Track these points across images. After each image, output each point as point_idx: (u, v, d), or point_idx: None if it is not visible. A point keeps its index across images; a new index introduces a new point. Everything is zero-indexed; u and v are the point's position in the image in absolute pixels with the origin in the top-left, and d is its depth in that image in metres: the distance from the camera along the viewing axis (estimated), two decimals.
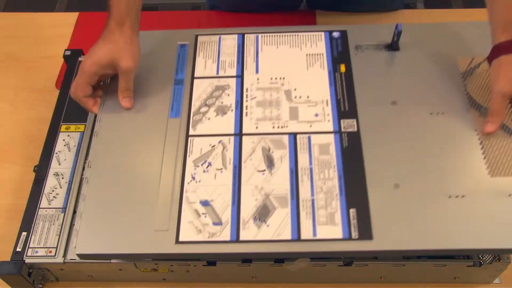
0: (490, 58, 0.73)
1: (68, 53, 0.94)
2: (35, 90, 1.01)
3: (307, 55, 0.83)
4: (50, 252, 0.73)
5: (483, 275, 0.73)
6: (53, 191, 0.79)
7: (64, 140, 0.84)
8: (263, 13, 1.10)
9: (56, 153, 0.82)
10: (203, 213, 0.68)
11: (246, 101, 0.78)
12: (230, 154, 0.73)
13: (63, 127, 0.85)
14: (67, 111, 0.87)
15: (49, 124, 0.86)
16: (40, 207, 0.77)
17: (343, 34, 0.86)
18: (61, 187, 0.79)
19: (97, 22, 1.07)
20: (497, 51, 0.71)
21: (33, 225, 0.75)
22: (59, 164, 0.81)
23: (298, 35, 0.86)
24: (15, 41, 1.09)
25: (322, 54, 0.83)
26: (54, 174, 0.80)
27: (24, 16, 1.14)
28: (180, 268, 0.72)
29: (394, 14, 1.10)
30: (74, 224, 0.74)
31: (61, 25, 1.11)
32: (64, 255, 0.73)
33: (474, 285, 0.76)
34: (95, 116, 0.80)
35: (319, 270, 0.72)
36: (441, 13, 1.12)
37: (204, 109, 0.78)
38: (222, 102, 0.78)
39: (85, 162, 0.80)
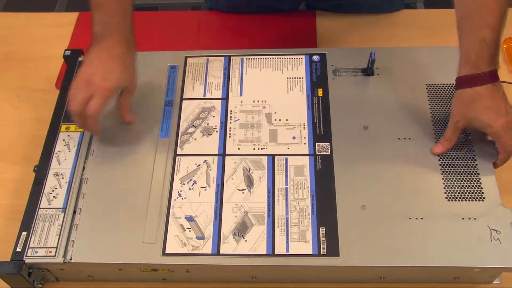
0: (455, 86, 0.79)
1: (68, 53, 0.94)
2: (35, 90, 1.01)
3: (288, 78, 0.90)
4: (50, 252, 0.74)
5: (483, 275, 0.76)
6: (53, 191, 0.79)
7: (64, 140, 0.84)
8: (263, 14, 1.11)
9: (56, 153, 0.82)
10: (187, 228, 0.76)
11: (230, 123, 0.85)
12: (213, 173, 0.80)
13: (63, 127, 0.85)
14: (67, 111, 0.84)
15: (49, 124, 0.86)
16: (40, 207, 0.77)
17: (322, 57, 0.92)
18: (61, 187, 0.79)
19: None
20: (458, 83, 0.78)
21: (33, 225, 0.76)
22: (59, 164, 0.81)
23: (280, 58, 0.92)
24: (15, 41, 1.10)
25: (302, 78, 0.90)
26: (54, 174, 0.80)
27: (24, 16, 1.16)
28: (181, 268, 0.75)
29: (393, 14, 1.12)
30: (74, 225, 0.76)
31: (61, 25, 1.12)
32: (64, 255, 0.73)
33: (474, 285, 0.78)
34: None
35: (319, 271, 0.76)
36: (441, 13, 1.11)
37: (191, 129, 0.84)
38: (208, 124, 0.85)
39: (85, 162, 0.82)
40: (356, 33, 1.09)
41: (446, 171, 0.79)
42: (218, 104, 0.87)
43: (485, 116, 0.76)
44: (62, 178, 0.81)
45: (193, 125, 0.85)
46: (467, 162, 0.80)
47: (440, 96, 0.87)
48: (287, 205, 0.77)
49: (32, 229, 0.76)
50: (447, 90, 0.87)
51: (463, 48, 0.77)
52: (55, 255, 0.74)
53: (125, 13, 0.80)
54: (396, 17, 1.12)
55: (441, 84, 0.88)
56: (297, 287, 0.79)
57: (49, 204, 0.78)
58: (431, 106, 0.86)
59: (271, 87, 0.89)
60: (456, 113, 0.79)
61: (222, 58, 0.93)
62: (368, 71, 0.90)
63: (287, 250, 0.74)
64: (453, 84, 0.86)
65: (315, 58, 0.92)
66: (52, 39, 1.10)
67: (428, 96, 0.87)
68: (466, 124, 0.78)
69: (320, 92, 0.88)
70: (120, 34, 0.79)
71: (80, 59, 0.94)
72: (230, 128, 0.84)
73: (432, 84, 0.88)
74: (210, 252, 0.74)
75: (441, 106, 0.86)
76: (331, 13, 1.12)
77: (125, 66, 0.79)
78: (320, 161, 0.81)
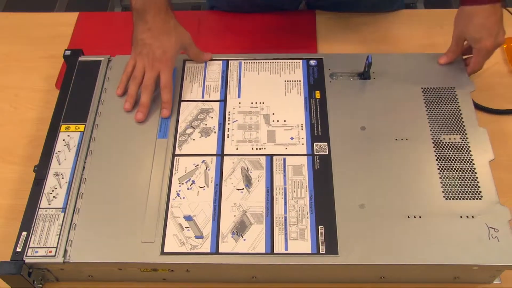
0: (459, 3, 0.86)
1: (68, 53, 0.94)
2: (35, 90, 1.01)
3: (285, 81, 0.91)
4: (50, 252, 0.73)
5: (483, 275, 0.76)
6: (53, 191, 0.79)
7: (64, 140, 0.84)
8: (263, 13, 1.12)
9: (56, 153, 0.82)
10: (186, 227, 0.76)
11: (228, 123, 0.85)
12: (212, 173, 0.80)
13: (63, 127, 0.85)
14: (67, 111, 0.87)
15: (49, 124, 0.86)
16: (40, 207, 0.77)
17: (319, 62, 0.93)
18: (61, 187, 0.79)
19: (97, 22, 1.12)
20: (461, 0, 0.86)
21: (33, 225, 0.75)
22: (59, 164, 0.81)
23: (278, 62, 0.93)
24: (15, 41, 1.10)
25: (299, 81, 0.90)
26: (54, 174, 0.80)
27: (24, 16, 1.16)
28: (180, 268, 0.75)
29: (393, 14, 1.13)
30: (73, 224, 0.76)
31: (61, 25, 1.12)
32: (64, 255, 0.73)
33: (474, 285, 0.78)
34: (94, 118, 0.86)
35: (318, 269, 0.76)
36: (441, 13, 1.12)
37: (189, 130, 0.85)
38: (206, 124, 0.85)
39: (85, 162, 0.82)
40: (356, 33, 1.09)
41: (444, 170, 0.80)
42: (216, 105, 0.88)
43: (477, 34, 0.85)
44: (62, 178, 0.80)
45: (192, 126, 0.85)
46: (464, 161, 0.80)
47: (436, 98, 0.88)
48: (285, 204, 0.77)
49: (32, 229, 0.76)
50: (442, 93, 0.88)
51: None
52: (55, 255, 0.74)
53: None
54: (396, 17, 1.13)
55: (437, 88, 0.89)
56: (297, 287, 0.79)
57: (49, 204, 0.78)
58: (427, 108, 0.87)
59: (269, 90, 0.90)
60: (456, 27, 0.88)
61: (220, 61, 0.94)
62: (364, 75, 0.91)
63: (286, 248, 0.73)
64: (448, 87, 0.88)
65: (312, 62, 0.93)
66: (52, 39, 1.10)
67: (424, 99, 0.88)
68: (464, 38, 0.88)
69: (317, 94, 0.89)
70: (158, 5, 0.85)
71: (80, 59, 0.94)
72: (228, 129, 0.85)
73: (428, 88, 0.89)
74: (209, 251, 0.74)
75: (437, 108, 0.87)
76: (331, 12, 1.13)
77: (172, 31, 0.87)
78: (318, 161, 0.81)
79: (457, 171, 0.80)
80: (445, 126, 0.84)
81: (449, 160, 0.81)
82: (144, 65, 0.87)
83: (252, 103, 0.88)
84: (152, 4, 0.85)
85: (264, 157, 0.81)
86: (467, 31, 0.86)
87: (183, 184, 0.79)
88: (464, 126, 0.84)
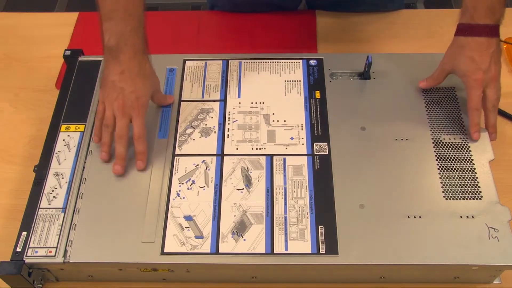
0: (455, 33, 0.83)
1: (68, 53, 0.94)
2: (35, 90, 1.01)
3: (285, 81, 0.91)
4: (50, 252, 0.74)
5: (483, 275, 0.77)
6: (53, 191, 0.79)
7: (64, 140, 0.84)
8: (262, 13, 1.12)
9: (56, 153, 0.82)
10: (186, 227, 0.76)
11: (228, 123, 0.85)
12: (212, 173, 0.80)
13: (63, 127, 0.85)
14: (67, 111, 0.87)
15: (49, 124, 0.86)
16: (40, 207, 0.77)
17: (319, 62, 0.93)
18: (61, 187, 0.79)
19: (97, 22, 1.10)
20: (456, 30, 0.82)
21: (33, 225, 0.76)
22: (59, 164, 0.82)
23: (278, 62, 0.93)
24: (15, 41, 1.10)
25: (299, 81, 0.90)
26: (54, 174, 0.80)
27: (24, 16, 1.16)
28: (180, 268, 0.75)
29: (393, 14, 1.13)
30: (73, 224, 0.76)
31: (61, 25, 1.12)
32: (64, 255, 0.73)
33: (474, 285, 0.78)
34: (94, 118, 0.86)
35: (318, 269, 0.76)
36: (441, 13, 1.12)
37: (189, 130, 0.85)
38: (206, 124, 0.85)
39: (85, 162, 0.82)
40: (356, 33, 1.09)
41: (444, 170, 0.80)
42: (216, 105, 0.88)
43: (465, 66, 0.80)
44: (62, 178, 0.80)
45: (192, 126, 0.85)
46: (464, 161, 0.80)
47: (436, 98, 0.88)
48: (285, 204, 0.77)
49: (32, 229, 0.76)
50: (442, 93, 0.89)
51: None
52: (55, 255, 0.74)
53: (139, 20, 0.79)
54: (396, 17, 1.13)
55: (437, 88, 0.89)
56: (297, 287, 0.79)
57: (49, 204, 0.78)
58: (427, 108, 0.87)
59: (269, 90, 0.90)
60: (446, 57, 0.84)
61: (221, 61, 0.94)
62: (364, 75, 0.91)
63: (286, 249, 0.74)
64: (448, 87, 0.88)
65: (312, 62, 0.93)
66: (52, 39, 1.10)
67: (424, 99, 0.88)
68: (451, 70, 0.84)
69: (317, 94, 0.89)
70: (135, 45, 0.78)
71: (80, 59, 0.94)
72: (228, 129, 0.85)
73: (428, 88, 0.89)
74: (209, 251, 0.74)
75: (437, 108, 0.87)
76: (331, 12, 1.13)
77: (148, 75, 0.81)
78: (318, 161, 0.81)
79: (457, 171, 0.80)
80: (445, 126, 0.84)
81: (449, 160, 0.81)
82: (114, 113, 0.79)
83: (252, 103, 0.88)
84: (129, 43, 0.77)
85: (264, 157, 0.82)
86: (456, 63, 0.82)
87: (183, 184, 0.79)
88: (464, 126, 0.84)
